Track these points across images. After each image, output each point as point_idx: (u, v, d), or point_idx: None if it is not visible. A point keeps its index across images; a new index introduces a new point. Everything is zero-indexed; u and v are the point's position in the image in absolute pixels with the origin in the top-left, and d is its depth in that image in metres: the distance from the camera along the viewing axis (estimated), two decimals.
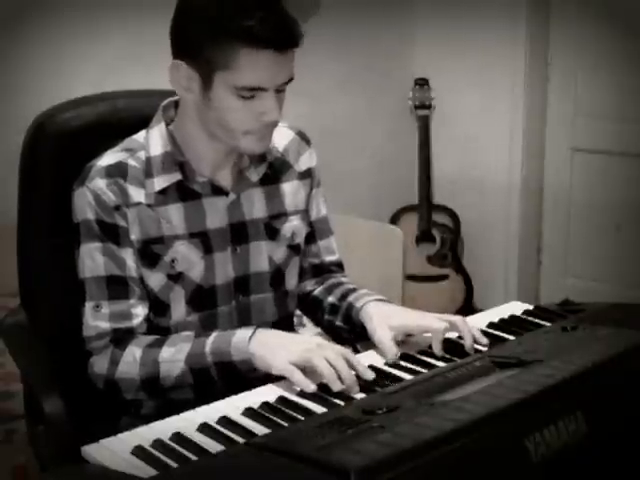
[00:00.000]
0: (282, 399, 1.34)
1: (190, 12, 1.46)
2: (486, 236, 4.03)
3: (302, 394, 1.35)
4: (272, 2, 1.42)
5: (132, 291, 1.53)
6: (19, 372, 1.72)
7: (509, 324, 1.63)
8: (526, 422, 1.11)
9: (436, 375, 1.32)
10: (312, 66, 3.15)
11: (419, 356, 1.51)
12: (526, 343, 1.44)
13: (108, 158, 1.54)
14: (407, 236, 3.80)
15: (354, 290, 1.68)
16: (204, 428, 1.23)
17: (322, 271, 1.76)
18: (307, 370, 1.37)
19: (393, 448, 1.01)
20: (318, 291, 1.74)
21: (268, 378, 1.41)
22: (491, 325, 1.64)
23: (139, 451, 1.17)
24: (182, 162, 1.55)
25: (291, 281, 1.69)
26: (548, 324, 1.60)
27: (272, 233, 1.64)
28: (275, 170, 1.65)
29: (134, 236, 1.52)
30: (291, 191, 1.67)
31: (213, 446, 1.18)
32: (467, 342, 1.50)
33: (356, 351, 1.60)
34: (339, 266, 1.79)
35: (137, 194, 1.52)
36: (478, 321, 1.63)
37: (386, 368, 1.46)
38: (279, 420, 1.25)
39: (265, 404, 1.31)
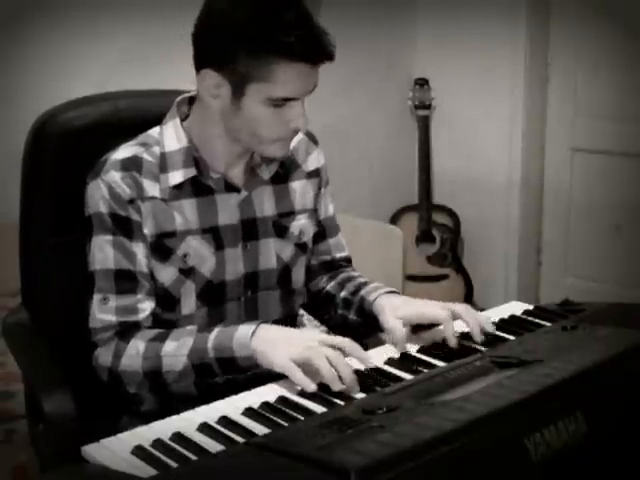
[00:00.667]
0: (282, 399, 1.34)
1: (223, 24, 1.46)
2: (486, 236, 4.04)
3: (302, 394, 1.35)
4: (308, 19, 1.46)
5: (140, 286, 1.54)
6: (19, 372, 1.72)
7: (509, 324, 1.63)
8: (526, 422, 1.11)
9: (436, 375, 1.32)
10: None
11: (419, 356, 1.51)
12: (526, 343, 1.44)
13: (123, 151, 1.55)
14: (407, 236, 3.81)
15: (366, 284, 1.71)
16: (204, 428, 1.23)
17: (333, 267, 1.79)
18: (307, 368, 1.37)
19: (393, 448, 1.01)
20: (330, 286, 1.76)
21: (268, 377, 1.42)
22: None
23: (139, 451, 1.17)
24: (197, 158, 1.56)
25: (297, 279, 1.71)
26: (548, 324, 1.60)
27: (281, 231, 1.66)
28: (285, 169, 1.68)
29: (147, 230, 1.53)
30: (299, 190, 1.70)
31: (213, 446, 1.18)
32: (474, 330, 1.52)
33: (365, 348, 1.61)
34: (349, 261, 1.83)
35: (152, 188, 1.54)
36: None
37: (386, 368, 1.46)
38: (279, 420, 1.25)
39: (265, 404, 1.31)
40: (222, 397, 1.36)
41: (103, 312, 1.53)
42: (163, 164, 1.55)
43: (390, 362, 1.49)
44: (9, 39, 2.89)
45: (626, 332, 1.42)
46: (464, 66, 3.97)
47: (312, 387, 1.34)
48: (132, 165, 1.53)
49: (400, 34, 4.04)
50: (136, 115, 1.69)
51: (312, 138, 1.75)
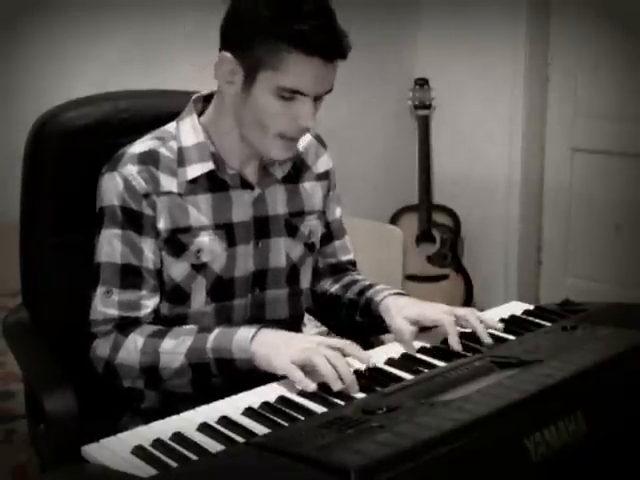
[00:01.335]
0: (282, 399, 1.34)
1: (245, 9, 1.48)
2: (486, 236, 4.04)
3: (302, 394, 1.35)
4: (326, 12, 1.46)
5: (145, 282, 1.54)
6: (19, 372, 1.73)
7: (509, 324, 1.63)
8: (526, 422, 1.11)
9: (436, 375, 1.32)
10: None
11: (419, 356, 1.51)
12: (526, 343, 1.44)
13: (140, 145, 1.56)
14: (407, 236, 3.81)
15: (371, 286, 1.72)
16: (204, 428, 1.23)
17: (338, 270, 1.80)
18: (307, 369, 1.37)
19: (393, 448, 1.01)
20: (335, 289, 1.77)
21: (268, 378, 1.42)
22: None
23: (139, 451, 1.17)
24: (214, 153, 1.57)
25: (305, 280, 1.72)
26: (548, 324, 1.60)
27: (291, 230, 1.67)
28: (296, 169, 1.69)
29: (162, 225, 1.54)
30: (309, 191, 1.71)
31: (213, 446, 1.17)
32: (481, 336, 1.52)
33: (369, 347, 1.61)
34: (354, 265, 1.84)
35: (168, 183, 1.54)
36: None
37: (386, 368, 1.46)
38: (279, 420, 1.25)
39: (265, 404, 1.31)
40: (222, 397, 1.36)
41: (105, 305, 1.54)
42: (181, 158, 1.56)
43: (390, 362, 1.48)
44: (9, 39, 2.90)
45: (626, 332, 1.42)
46: (464, 66, 3.97)
47: (312, 387, 1.34)
48: (149, 159, 1.54)
49: (401, 34, 4.04)
50: (136, 115, 1.69)
51: (321, 141, 1.77)
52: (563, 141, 3.87)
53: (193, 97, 1.63)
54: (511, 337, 1.55)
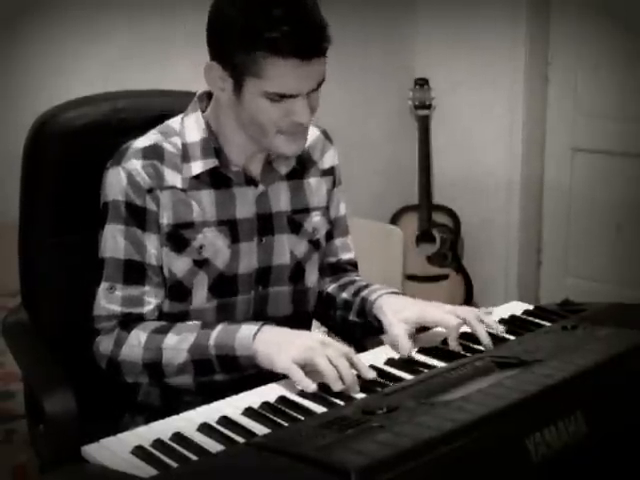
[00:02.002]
0: (282, 399, 1.34)
1: (221, 20, 1.48)
2: (486, 236, 4.03)
3: (302, 394, 1.35)
4: (300, 12, 1.43)
5: (148, 278, 1.54)
6: (19, 372, 1.73)
7: (509, 324, 1.62)
8: (526, 422, 1.11)
9: (436, 375, 1.32)
10: None
11: (419, 356, 1.51)
12: (526, 343, 1.44)
13: (144, 140, 1.56)
14: (407, 236, 3.81)
15: (367, 286, 1.71)
16: (204, 428, 1.23)
17: (338, 270, 1.79)
18: (308, 369, 1.37)
19: (393, 448, 1.01)
20: (332, 288, 1.76)
21: (268, 377, 1.42)
22: None
23: (139, 451, 1.17)
24: (218, 149, 1.57)
25: (311, 277, 1.71)
26: (548, 324, 1.59)
27: (295, 227, 1.66)
28: (302, 165, 1.68)
29: (165, 220, 1.54)
30: (314, 187, 1.71)
31: (213, 446, 1.17)
32: (483, 339, 1.50)
33: (364, 349, 1.61)
34: (354, 265, 1.82)
35: (172, 178, 1.54)
36: None
37: (386, 368, 1.46)
38: (279, 420, 1.25)
39: (265, 404, 1.31)
40: (222, 397, 1.36)
41: (109, 301, 1.54)
42: (185, 154, 1.56)
43: (390, 362, 1.48)
44: (9, 39, 2.90)
45: (626, 332, 1.42)
46: (464, 66, 3.97)
47: (312, 387, 1.34)
48: (153, 154, 1.54)
49: (400, 34, 4.04)
50: (136, 115, 1.69)
51: (328, 137, 1.76)
52: (563, 141, 3.86)
53: (198, 93, 1.63)
54: (511, 337, 1.55)
